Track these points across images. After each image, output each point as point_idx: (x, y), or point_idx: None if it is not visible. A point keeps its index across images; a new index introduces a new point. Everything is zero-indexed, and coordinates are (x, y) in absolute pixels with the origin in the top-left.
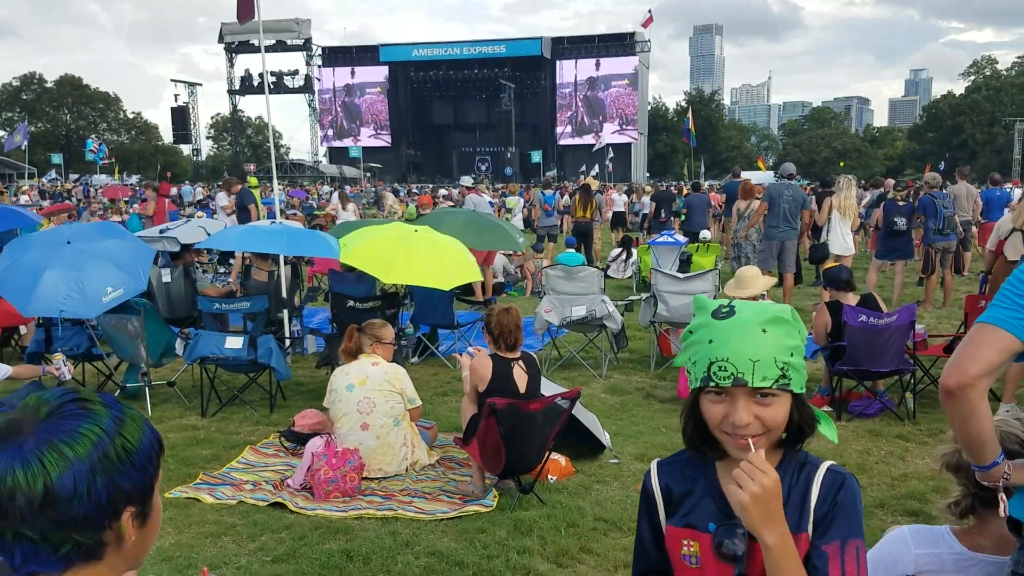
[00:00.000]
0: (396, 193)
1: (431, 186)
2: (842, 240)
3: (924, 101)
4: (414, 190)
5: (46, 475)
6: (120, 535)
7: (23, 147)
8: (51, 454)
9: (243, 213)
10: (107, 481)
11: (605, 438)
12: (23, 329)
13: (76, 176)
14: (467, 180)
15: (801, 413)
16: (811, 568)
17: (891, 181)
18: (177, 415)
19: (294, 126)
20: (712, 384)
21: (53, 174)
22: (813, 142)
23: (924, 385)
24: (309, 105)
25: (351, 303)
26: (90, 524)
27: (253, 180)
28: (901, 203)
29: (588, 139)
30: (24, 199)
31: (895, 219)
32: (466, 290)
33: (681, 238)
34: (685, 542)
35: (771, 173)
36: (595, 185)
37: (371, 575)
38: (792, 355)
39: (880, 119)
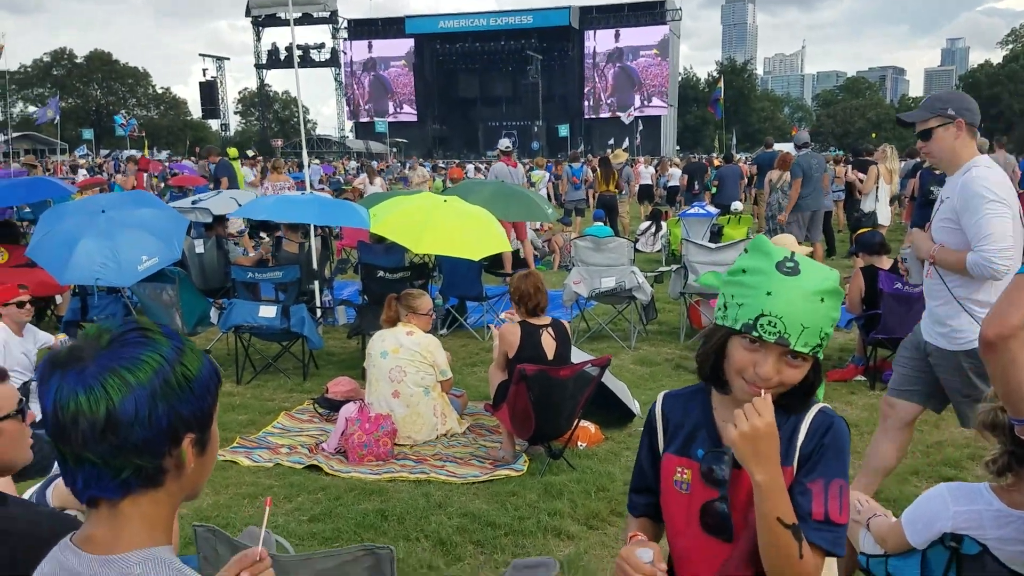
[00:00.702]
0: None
1: (456, 162)
2: (886, 209)
3: (960, 71)
4: (440, 165)
5: (108, 400)
6: (180, 462)
7: (55, 121)
8: (113, 380)
9: (215, 186)
10: (168, 407)
11: (635, 406)
12: (59, 299)
13: (107, 151)
14: (504, 144)
15: (816, 374)
16: (794, 504)
17: None
18: None
19: (320, 101)
20: (756, 334)
21: (84, 149)
22: (847, 113)
23: None
24: (335, 79)
25: (381, 274)
26: (150, 449)
27: (233, 151)
28: (938, 172)
29: (616, 112)
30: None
31: (931, 188)
32: (495, 262)
33: (712, 210)
34: (679, 469)
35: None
36: (623, 158)
37: (405, 534)
38: (832, 325)
39: (916, 89)
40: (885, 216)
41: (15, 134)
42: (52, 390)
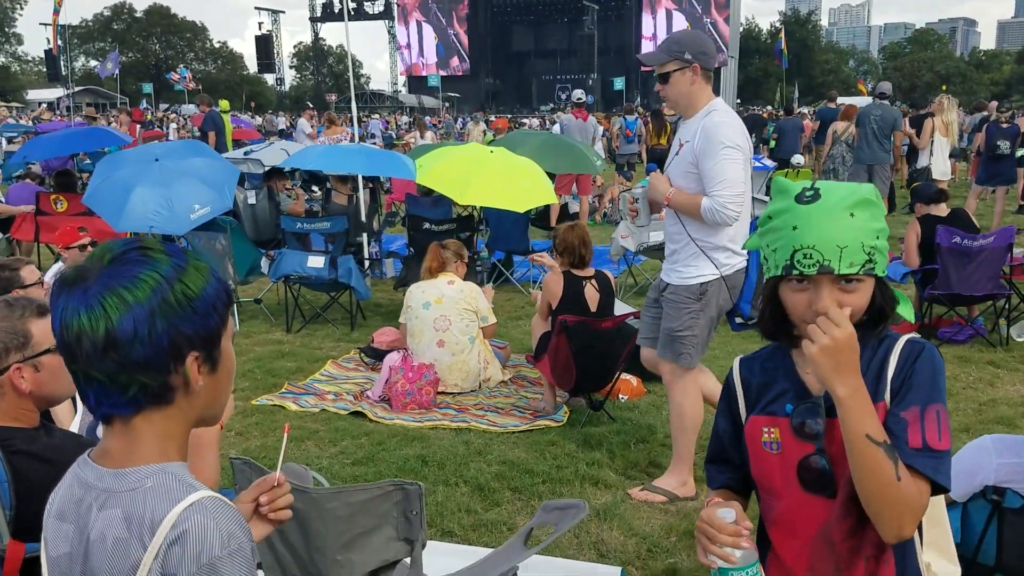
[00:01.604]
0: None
1: (498, 115)
2: (943, 163)
3: None
4: (491, 118)
5: (107, 319)
6: (187, 379)
7: (115, 75)
8: (112, 298)
9: (202, 139)
10: (167, 325)
11: None
12: None
13: (166, 106)
14: (577, 94)
15: (884, 295)
16: (889, 435)
17: (994, 104)
18: (264, 330)
19: (374, 55)
20: (796, 272)
21: (144, 103)
22: (915, 66)
23: (1020, 312)
24: (389, 32)
25: (427, 225)
26: (153, 366)
27: (225, 103)
28: (1005, 125)
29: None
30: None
31: (998, 142)
32: (541, 216)
33: (769, 163)
34: (766, 429)
35: (871, 99)
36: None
37: (445, 479)
38: (878, 238)
39: (987, 42)
40: (942, 170)
41: (77, 88)
42: (59, 310)
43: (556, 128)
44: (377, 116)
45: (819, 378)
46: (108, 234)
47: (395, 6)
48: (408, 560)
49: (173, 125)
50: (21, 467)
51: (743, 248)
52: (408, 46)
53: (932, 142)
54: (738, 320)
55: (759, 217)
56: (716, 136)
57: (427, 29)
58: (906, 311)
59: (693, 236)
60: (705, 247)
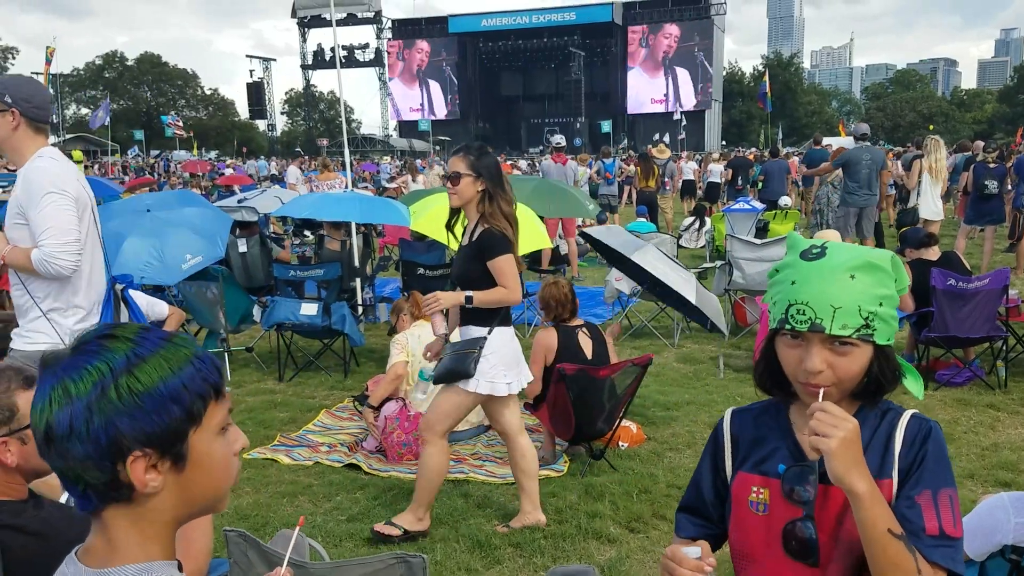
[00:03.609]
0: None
1: (502, 157)
2: (932, 204)
3: (1016, 61)
4: None
5: (49, 411)
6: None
7: (106, 123)
8: (58, 390)
9: None
10: (104, 421)
11: (722, 325)
12: None
13: (157, 152)
14: (557, 139)
15: (883, 366)
16: (902, 520)
17: (980, 143)
18: (256, 379)
19: (365, 101)
20: (788, 327)
21: (136, 150)
22: (898, 106)
23: (1017, 353)
24: (379, 79)
25: (421, 271)
26: (93, 464)
27: (78, 154)
28: (992, 165)
29: (660, 107)
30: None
31: (986, 182)
32: (534, 259)
33: (758, 205)
34: (755, 489)
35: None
36: (666, 154)
37: (443, 535)
38: (881, 304)
39: (968, 81)
40: (931, 211)
41: (68, 135)
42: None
43: (540, 173)
44: (388, 159)
45: (836, 474)
46: None
47: (385, 53)
48: None
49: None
50: (8, 542)
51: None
52: (398, 91)
53: (920, 183)
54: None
55: (769, 270)
56: (38, 182)
57: (417, 74)
58: (914, 386)
59: (35, 296)
60: (49, 309)
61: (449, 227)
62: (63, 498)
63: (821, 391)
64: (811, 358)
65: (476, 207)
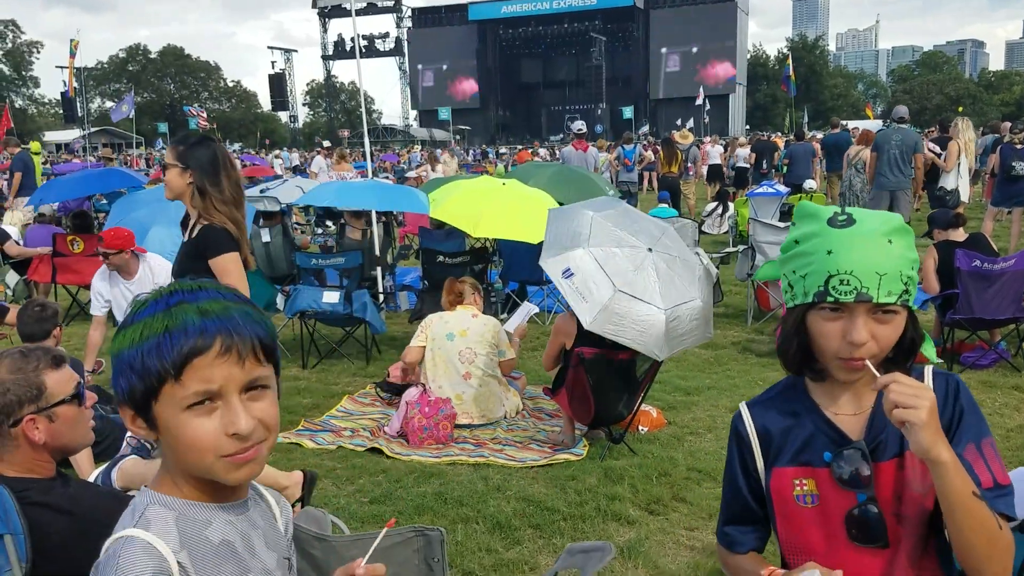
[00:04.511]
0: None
1: (520, 147)
2: (967, 185)
3: None
4: (502, 151)
5: None
6: None
7: (130, 116)
8: None
9: (9, 180)
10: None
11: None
12: None
13: None
14: (577, 126)
15: (915, 329)
16: None
17: (1007, 124)
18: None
19: (385, 91)
20: (831, 299)
21: (160, 143)
22: (924, 88)
23: None
24: (399, 68)
25: (441, 258)
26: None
27: (36, 145)
28: (1019, 146)
29: (683, 92)
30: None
31: (1013, 163)
32: None
33: (782, 189)
34: (798, 482)
35: (879, 122)
36: (689, 139)
37: (464, 516)
38: (913, 268)
39: (996, 63)
40: (966, 192)
41: (93, 129)
42: None
43: (561, 161)
44: (419, 148)
45: (924, 445)
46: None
47: (406, 42)
48: None
49: (278, 161)
50: (37, 519)
51: (757, 278)
52: (419, 80)
53: (958, 164)
54: None
55: (783, 243)
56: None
57: (438, 63)
58: (929, 349)
59: None
60: None
61: (183, 224)
62: (91, 477)
63: (868, 363)
64: (857, 330)
65: (190, 201)
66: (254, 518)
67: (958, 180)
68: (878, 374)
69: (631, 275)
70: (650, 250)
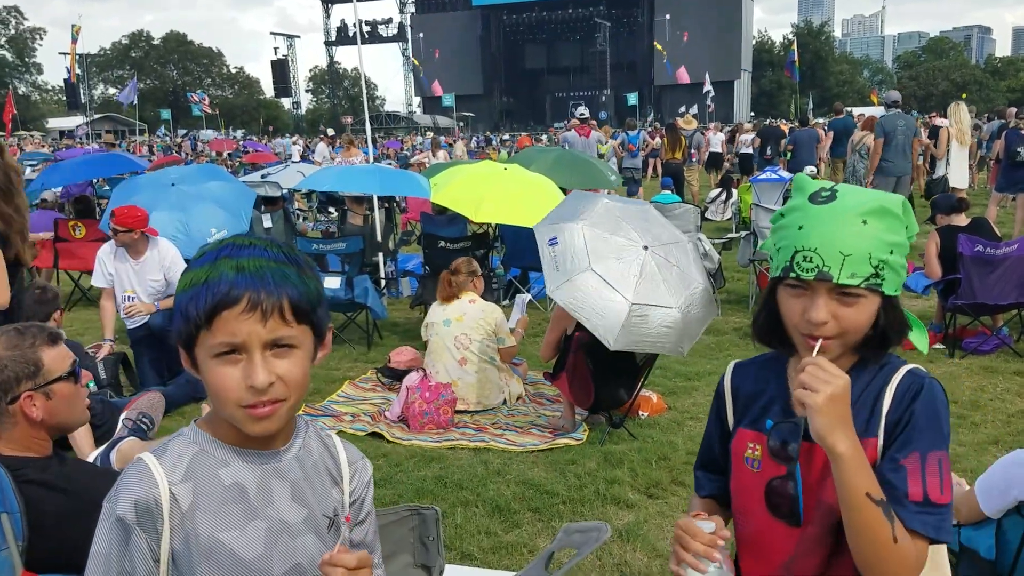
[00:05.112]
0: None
1: (523, 133)
2: (960, 171)
3: None
4: (505, 138)
5: None
6: None
7: (133, 102)
8: None
9: None
10: None
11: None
12: None
13: (184, 131)
14: (581, 111)
15: (890, 318)
16: (886, 484)
17: (1013, 110)
18: None
19: (389, 77)
20: (793, 275)
21: (163, 130)
22: (930, 74)
23: None
24: (403, 54)
25: (442, 243)
26: None
27: None
28: None
29: (687, 78)
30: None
31: (1018, 149)
32: None
33: (785, 175)
34: (750, 445)
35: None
36: (693, 125)
37: (464, 500)
38: (892, 252)
39: (1003, 49)
40: (960, 178)
41: (96, 115)
42: None
43: (566, 145)
44: (432, 134)
45: (818, 431)
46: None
47: (408, 28)
48: None
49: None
50: (33, 497)
51: (762, 248)
52: (422, 66)
53: (948, 151)
54: None
55: (773, 215)
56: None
57: (441, 49)
58: (919, 340)
59: None
60: None
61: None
62: (90, 457)
63: (818, 344)
64: (816, 309)
65: None
66: (284, 470)
67: (947, 168)
68: (815, 353)
69: (611, 261)
70: (645, 248)
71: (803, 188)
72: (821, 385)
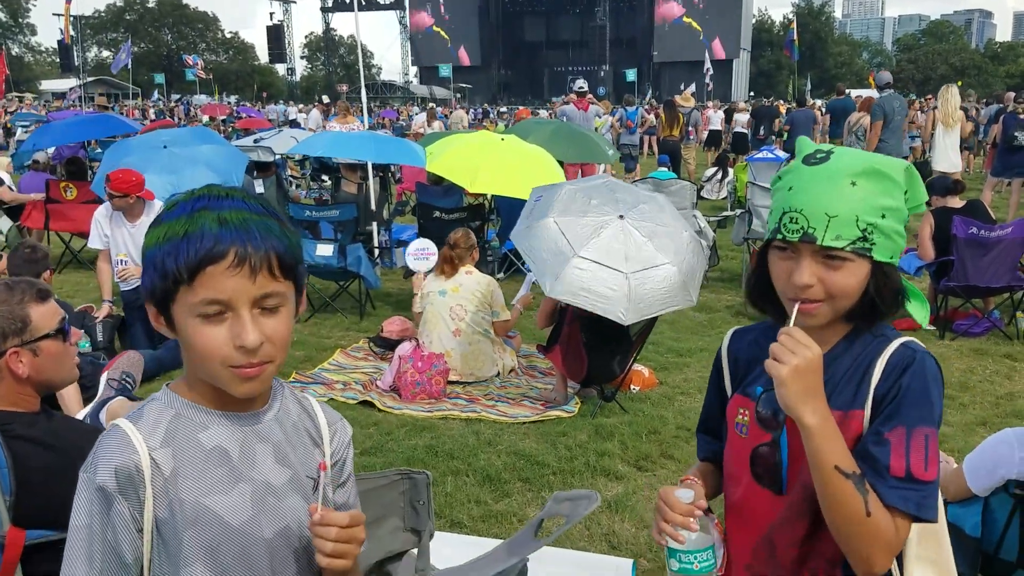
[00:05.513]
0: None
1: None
2: (948, 155)
3: None
4: (503, 110)
5: None
6: None
7: (127, 66)
8: None
9: None
10: None
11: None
12: None
13: (177, 96)
14: (579, 84)
15: (880, 285)
16: (868, 458)
17: (1011, 94)
18: None
19: (385, 46)
20: (780, 236)
21: (156, 95)
22: (929, 58)
23: None
24: (400, 23)
25: (437, 214)
26: None
27: None
28: (1022, 116)
29: (686, 56)
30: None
31: (1015, 133)
32: None
33: (781, 154)
34: (740, 411)
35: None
36: (691, 102)
37: (454, 469)
38: (883, 216)
39: (1003, 34)
40: (946, 162)
41: (90, 78)
42: None
43: (560, 119)
44: (433, 104)
45: (785, 402)
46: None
47: None
48: (415, 551)
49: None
50: (21, 452)
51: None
52: (419, 36)
53: (933, 135)
54: None
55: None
56: None
57: (439, 18)
58: (919, 312)
59: None
60: None
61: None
62: (79, 416)
63: (795, 310)
64: (800, 271)
65: None
66: (265, 432)
67: (930, 151)
68: (791, 321)
69: (594, 241)
70: (621, 217)
71: (802, 150)
72: (788, 356)
